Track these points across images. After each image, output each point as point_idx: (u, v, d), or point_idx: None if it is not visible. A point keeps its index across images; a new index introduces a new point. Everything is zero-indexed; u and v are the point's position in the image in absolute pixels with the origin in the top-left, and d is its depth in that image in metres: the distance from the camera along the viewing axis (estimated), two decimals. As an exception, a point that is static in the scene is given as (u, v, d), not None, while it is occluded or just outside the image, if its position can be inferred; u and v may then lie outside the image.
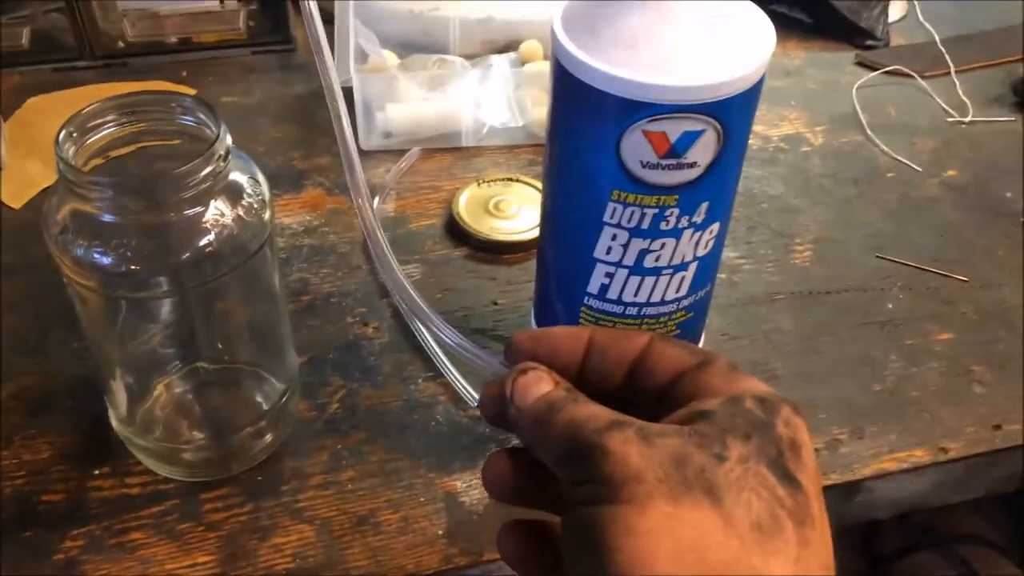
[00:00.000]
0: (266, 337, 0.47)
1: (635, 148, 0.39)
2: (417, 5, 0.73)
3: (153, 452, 0.45)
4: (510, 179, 0.63)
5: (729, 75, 0.37)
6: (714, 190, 0.41)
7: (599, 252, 0.43)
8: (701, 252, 0.43)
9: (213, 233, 0.39)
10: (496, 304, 0.56)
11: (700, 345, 0.50)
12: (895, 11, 0.82)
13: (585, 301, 0.46)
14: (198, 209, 0.38)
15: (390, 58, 0.70)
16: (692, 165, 0.39)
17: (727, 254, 0.59)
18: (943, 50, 0.77)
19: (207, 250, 0.39)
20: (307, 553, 0.43)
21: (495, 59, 0.71)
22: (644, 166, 0.39)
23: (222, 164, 0.38)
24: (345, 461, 0.47)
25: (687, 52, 0.37)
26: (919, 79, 0.75)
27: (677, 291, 0.44)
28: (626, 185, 0.40)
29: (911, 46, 0.79)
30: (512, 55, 0.72)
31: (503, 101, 0.68)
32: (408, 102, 0.66)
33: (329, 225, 0.61)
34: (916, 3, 0.85)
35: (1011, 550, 1.05)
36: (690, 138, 0.38)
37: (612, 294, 0.44)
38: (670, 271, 0.43)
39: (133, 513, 0.45)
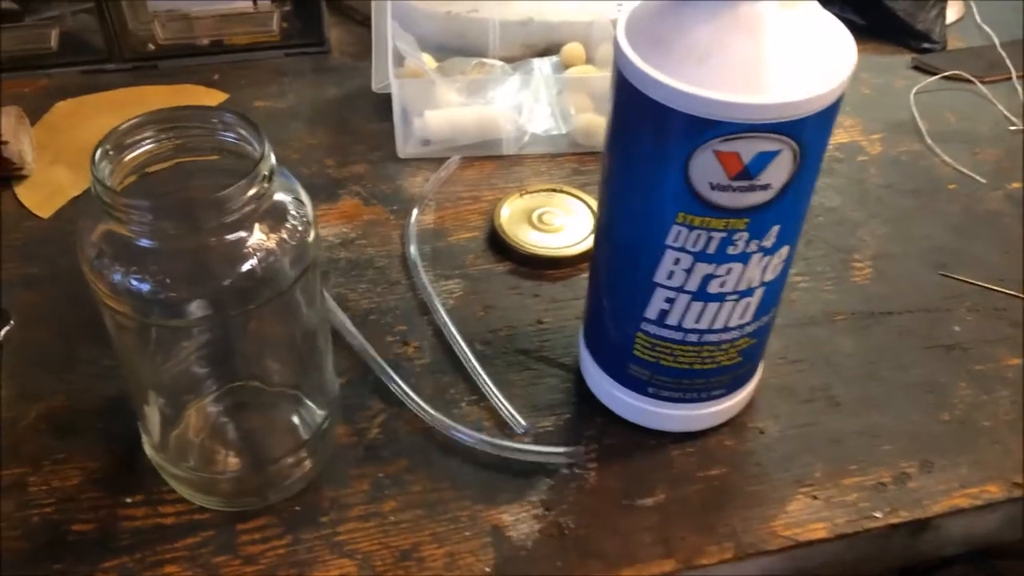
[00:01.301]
0: (305, 360, 0.45)
1: (704, 169, 0.36)
2: (455, 6, 0.70)
3: (187, 480, 0.43)
4: (554, 189, 0.61)
5: (807, 93, 0.35)
6: (786, 213, 0.39)
7: (660, 276, 0.41)
8: (769, 277, 0.41)
9: (255, 258, 0.36)
10: (541, 323, 0.53)
11: (759, 370, 0.48)
12: (952, 13, 0.79)
13: (641, 326, 0.43)
14: (240, 234, 0.36)
15: (428, 62, 0.67)
16: (765, 187, 0.37)
17: (782, 271, 0.57)
18: (1003, 54, 0.74)
19: (248, 277, 0.36)
20: (348, 590, 0.41)
21: (536, 63, 0.68)
22: (713, 188, 0.37)
23: (266, 186, 0.36)
24: (387, 491, 0.45)
25: (763, 67, 0.35)
26: (979, 84, 0.72)
27: (741, 317, 0.42)
28: (693, 207, 0.38)
29: (969, 49, 0.76)
30: (554, 59, 0.69)
31: (545, 107, 0.66)
32: (447, 108, 0.64)
33: (366, 237, 0.58)
34: (974, 4, 0.81)
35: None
36: (765, 159, 0.36)
37: (672, 320, 0.42)
38: (735, 296, 0.41)
39: (167, 544, 0.43)
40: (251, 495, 0.44)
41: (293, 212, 0.38)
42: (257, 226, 0.37)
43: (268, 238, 0.37)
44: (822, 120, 0.36)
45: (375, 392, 0.49)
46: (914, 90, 0.71)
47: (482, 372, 0.50)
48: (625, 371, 0.46)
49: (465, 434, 0.46)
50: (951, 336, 0.53)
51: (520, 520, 0.44)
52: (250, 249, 0.36)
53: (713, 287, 0.40)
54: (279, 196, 0.38)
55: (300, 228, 0.38)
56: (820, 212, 0.61)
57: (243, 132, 0.37)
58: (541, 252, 0.56)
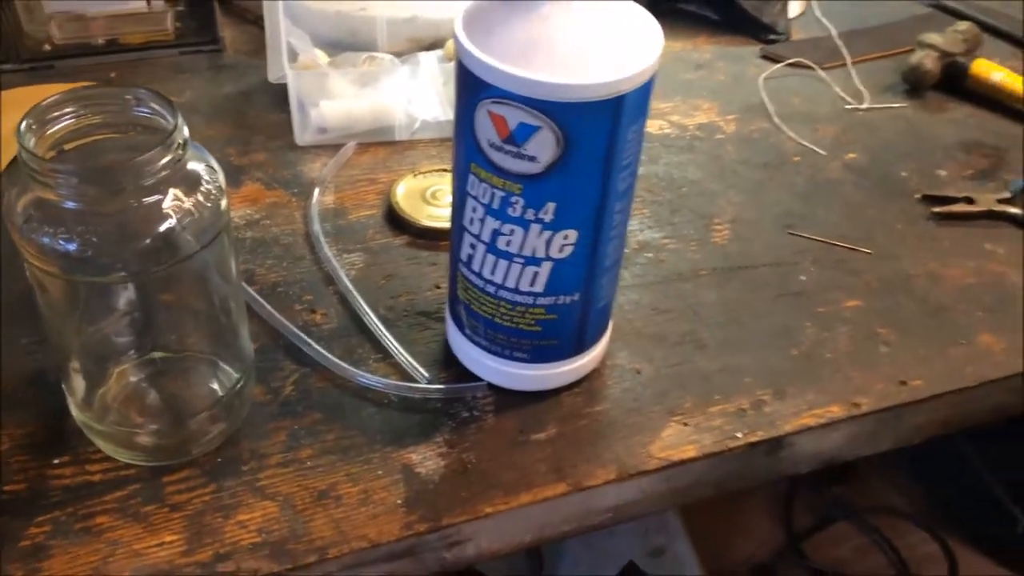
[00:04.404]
0: (222, 325, 0.48)
1: (484, 126, 0.42)
2: (344, 6, 0.75)
3: (111, 437, 0.46)
4: (444, 170, 0.66)
5: (565, 79, 0.39)
6: (563, 194, 0.43)
7: (465, 221, 0.46)
8: (555, 254, 0.45)
9: (173, 219, 0.40)
10: (438, 288, 0.58)
11: (583, 360, 0.52)
12: (794, 8, 0.88)
13: (459, 267, 0.49)
14: (158, 197, 0.40)
15: (320, 57, 0.71)
16: (532, 159, 0.41)
17: (653, 235, 0.63)
18: (840, 43, 0.83)
19: (167, 236, 0.40)
20: (272, 528, 0.45)
21: (422, 56, 0.73)
22: (491, 146, 0.42)
23: (180, 153, 0.40)
24: (303, 440, 0.49)
25: (544, 47, 0.40)
26: (819, 70, 0.80)
27: (531, 284, 0.46)
28: (480, 161, 0.43)
29: (810, 40, 0.85)
30: (439, 52, 0.74)
31: (433, 96, 0.71)
32: (341, 98, 0.68)
33: (270, 218, 0.62)
34: (813, 1, 0.90)
35: (919, 517, 1.13)
36: (527, 131, 0.41)
37: (475, 266, 0.47)
38: (522, 260, 0.45)
39: (97, 498, 0.45)
40: (173, 450, 0.47)
41: (207, 178, 0.42)
42: (173, 190, 0.40)
43: (184, 201, 0.41)
44: (590, 113, 0.40)
45: (287, 356, 0.53)
46: (763, 76, 0.79)
47: (386, 332, 0.54)
48: (456, 311, 0.51)
49: (374, 381, 0.51)
50: (798, 285, 0.61)
51: (427, 458, 0.49)
52: (167, 211, 0.40)
53: (501, 243, 0.45)
54: (192, 165, 0.42)
55: (214, 192, 0.42)
56: (683, 184, 0.68)
57: (156, 107, 0.41)
58: (436, 225, 0.61)
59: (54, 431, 0.48)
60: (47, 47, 0.72)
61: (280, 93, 0.72)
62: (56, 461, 0.47)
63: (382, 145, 0.69)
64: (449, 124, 0.69)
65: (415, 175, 0.65)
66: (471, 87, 0.41)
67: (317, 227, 0.61)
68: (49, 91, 0.69)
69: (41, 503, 0.45)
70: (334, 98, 0.68)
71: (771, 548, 1.13)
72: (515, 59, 0.40)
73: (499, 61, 0.40)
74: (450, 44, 0.74)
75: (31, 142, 0.38)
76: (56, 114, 0.39)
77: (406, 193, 0.63)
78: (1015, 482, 1.05)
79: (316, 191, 0.63)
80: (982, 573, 1.09)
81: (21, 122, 0.38)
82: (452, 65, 0.71)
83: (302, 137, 0.68)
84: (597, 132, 0.41)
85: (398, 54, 0.74)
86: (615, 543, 1.09)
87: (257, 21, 0.80)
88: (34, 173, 0.37)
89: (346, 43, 0.75)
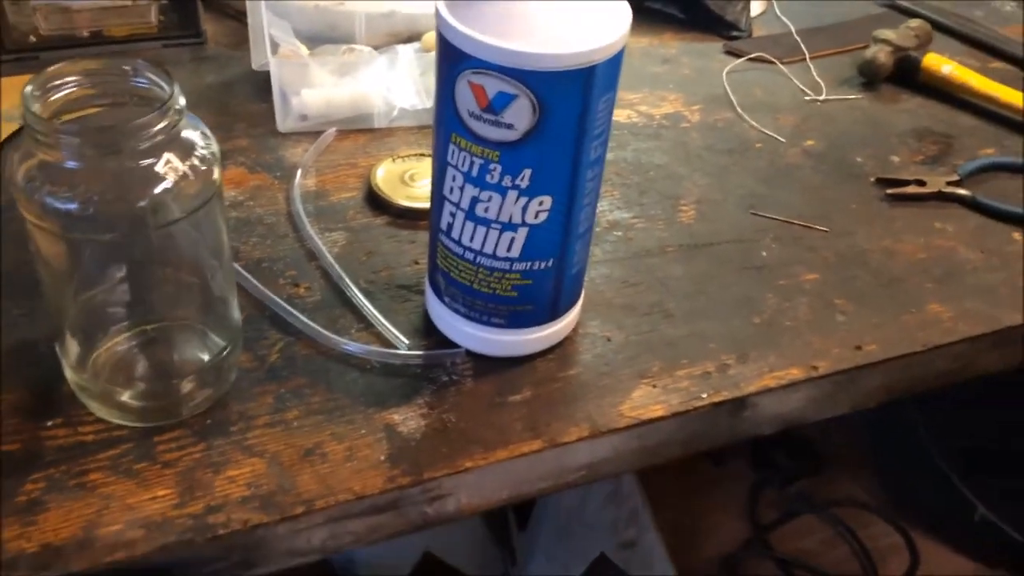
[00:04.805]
0: (212, 296, 0.50)
1: (464, 96, 0.44)
2: (323, 1, 0.77)
3: (103, 399, 0.48)
4: (422, 154, 0.68)
5: (540, 49, 0.42)
6: (538, 161, 0.45)
7: (445, 190, 0.49)
8: (531, 220, 0.48)
9: (167, 182, 0.42)
10: (417, 263, 0.61)
11: (554, 327, 0.54)
12: (756, 7, 0.91)
13: (439, 237, 0.51)
14: (154, 159, 0.42)
15: (301, 49, 0.74)
16: (510, 127, 0.44)
17: (622, 215, 0.66)
18: (799, 40, 0.87)
19: (161, 197, 0.42)
20: (260, 482, 0.47)
21: (400, 48, 0.76)
22: (471, 115, 0.45)
23: (176, 118, 0.42)
24: (289, 403, 0.51)
25: (521, 22, 0.43)
26: (779, 64, 0.84)
27: (508, 250, 0.49)
28: (460, 130, 0.46)
29: (771, 37, 0.89)
30: (416, 44, 0.77)
31: (411, 85, 0.73)
32: (321, 87, 0.70)
33: (254, 199, 0.64)
34: (774, 0, 0.94)
35: (881, 509, 1.16)
36: (505, 99, 0.43)
37: (455, 234, 0.50)
38: (499, 227, 0.48)
39: (90, 457, 0.47)
40: (163, 412, 0.49)
41: (201, 145, 0.44)
42: (168, 154, 0.43)
43: (179, 165, 0.43)
44: (563, 83, 0.43)
45: (272, 326, 0.55)
46: (726, 70, 0.83)
47: (367, 303, 0.56)
48: (435, 281, 0.53)
49: (357, 348, 0.53)
50: (760, 260, 0.64)
51: (409, 418, 0.51)
52: (162, 173, 0.42)
53: (479, 210, 0.48)
54: (187, 133, 0.44)
55: (208, 157, 0.44)
56: (651, 168, 0.71)
57: (153, 77, 0.43)
58: (414, 206, 0.64)
59: (46, 397, 0.50)
60: (32, 38, 0.74)
61: (261, 83, 0.74)
62: (49, 423, 0.49)
63: (361, 132, 0.72)
64: (426, 112, 0.72)
65: (394, 159, 0.67)
66: (452, 59, 0.44)
67: (299, 207, 0.63)
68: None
69: (36, 462, 0.47)
70: (315, 87, 0.70)
71: (738, 541, 1.16)
72: (493, 32, 0.42)
73: (479, 33, 0.42)
74: (427, 36, 0.77)
75: (35, 107, 0.40)
76: (58, 82, 0.42)
77: (385, 176, 0.66)
78: (973, 473, 1.08)
79: (299, 173, 0.65)
80: (942, 562, 1.13)
81: (26, 87, 0.40)
82: (429, 56, 0.74)
83: (284, 124, 0.70)
84: (571, 101, 0.44)
85: (376, 47, 0.77)
86: (587, 537, 1.11)
87: (237, 16, 0.82)
88: (38, 135, 0.40)
89: (325, 36, 0.77)
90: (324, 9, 0.77)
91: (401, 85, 0.73)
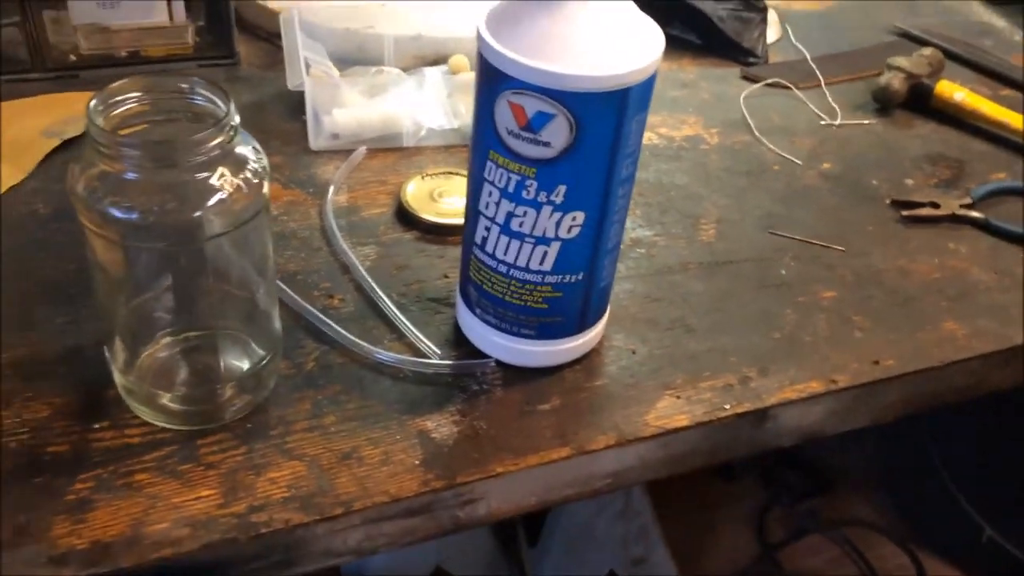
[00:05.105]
0: (256, 305, 0.52)
1: (503, 115, 0.46)
2: (353, 23, 0.80)
3: (148, 402, 0.50)
4: (450, 172, 0.70)
5: (578, 71, 0.44)
6: (573, 177, 0.47)
7: (481, 206, 0.51)
8: (564, 234, 0.49)
9: (222, 194, 0.44)
10: (447, 277, 0.62)
11: (582, 339, 0.56)
12: (772, 34, 0.94)
13: (473, 251, 0.53)
14: (209, 172, 0.44)
15: (332, 71, 0.76)
16: (547, 144, 0.46)
17: (644, 233, 0.68)
18: (814, 66, 0.89)
19: (215, 208, 0.44)
20: (301, 484, 0.49)
21: (428, 70, 0.78)
22: (510, 134, 0.47)
23: (231, 134, 0.44)
24: (326, 409, 0.53)
25: (560, 45, 0.45)
26: (795, 90, 0.86)
27: (541, 263, 0.51)
28: (498, 148, 0.48)
29: (786, 63, 0.91)
30: (443, 67, 0.79)
31: (438, 106, 0.75)
32: (352, 107, 0.73)
33: (288, 214, 0.66)
34: (788, 27, 0.97)
35: (890, 530, 1.17)
36: (543, 119, 0.45)
37: (489, 247, 0.51)
38: (532, 241, 0.50)
39: (136, 458, 0.49)
40: (205, 416, 0.51)
41: (253, 160, 0.46)
42: (222, 168, 0.45)
43: (231, 179, 0.45)
44: (600, 103, 0.45)
45: (308, 335, 0.57)
46: (743, 95, 0.85)
47: (400, 315, 0.58)
48: (467, 292, 0.55)
49: (390, 357, 0.55)
50: (779, 278, 0.66)
51: (441, 425, 0.53)
52: (217, 186, 0.44)
53: (515, 225, 0.49)
54: (240, 149, 0.46)
55: (260, 172, 0.46)
56: (672, 188, 0.73)
57: (209, 94, 0.45)
58: (443, 221, 0.66)
59: (93, 401, 0.52)
60: (72, 57, 0.76)
61: (292, 104, 0.76)
62: (96, 426, 0.50)
63: (391, 151, 0.74)
64: (453, 132, 0.75)
65: (423, 177, 0.70)
66: (493, 79, 0.46)
67: (332, 222, 0.65)
68: (72, 99, 0.74)
69: (84, 462, 0.48)
70: (346, 107, 0.73)
71: (747, 558, 1.17)
72: (532, 53, 0.45)
73: (520, 55, 0.44)
74: (454, 59, 0.79)
75: (99, 120, 0.42)
76: (120, 98, 0.44)
77: (415, 193, 0.68)
78: (981, 494, 1.10)
79: (331, 189, 0.67)
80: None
81: (90, 102, 0.42)
82: (456, 78, 0.77)
83: (316, 142, 0.72)
84: (606, 120, 0.46)
85: (404, 69, 0.79)
86: (596, 553, 1.12)
87: (269, 38, 0.84)
88: (100, 147, 0.42)
89: (354, 58, 0.80)
90: (354, 32, 0.79)
91: (429, 106, 0.75)
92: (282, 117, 0.76)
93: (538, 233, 0.50)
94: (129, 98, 0.44)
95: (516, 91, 0.45)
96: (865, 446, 1.28)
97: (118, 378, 0.50)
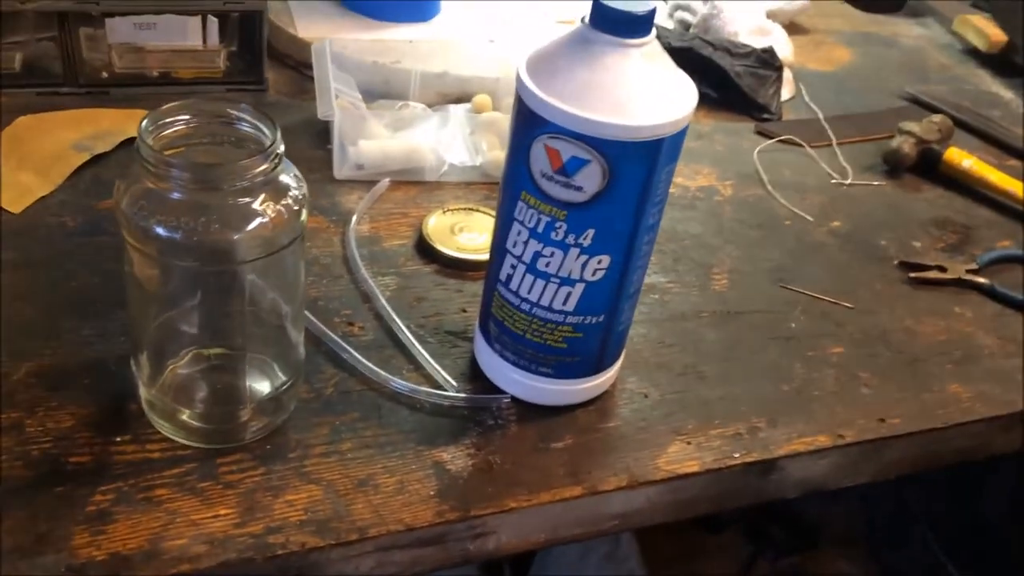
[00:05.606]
0: (283, 329, 0.53)
1: (538, 158, 0.48)
2: (381, 57, 0.82)
3: (169, 417, 0.51)
4: (470, 209, 0.72)
5: (615, 120, 0.46)
6: (602, 222, 0.49)
7: (508, 244, 0.52)
8: (589, 277, 0.51)
9: (263, 219, 0.46)
10: (465, 311, 0.64)
11: (595, 381, 0.57)
12: (786, 91, 0.96)
13: (497, 287, 0.54)
14: (251, 198, 0.45)
15: (359, 103, 0.78)
16: (579, 189, 0.48)
17: (658, 279, 0.69)
18: (826, 126, 0.92)
19: (255, 232, 0.46)
20: (317, 508, 0.49)
21: (452, 108, 0.80)
22: (543, 176, 0.48)
23: (275, 163, 0.46)
24: (344, 435, 0.53)
25: (597, 93, 0.46)
26: (807, 147, 0.88)
27: (564, 303, 0.52)
28: (530, 189, 0.49)
29: (800, 121, 0.93)
30: (467, 105, 0.81)
31: (461, 143, 0.77)
32: (377, 139, 0.74)
33: (311, 241, 0.67)
34: (802, 86, 0.99)
35: (872, 587, 1.17)
36: (577, 163, 0.47)
37: (513, 285, 0.53)
38: (557, 281, 0.51)
39: (156, 473, 0.50)
40: (226, 436, 0.52)
41: (294, 187, 0.47)
42: (264, 194, 0.46)
43: (273, 205, 0.46)
44: (633, 152, 0.46)
45: (327, 361, 0.58)
46: (757, 149, 0.87)
47: (418, 345, 0.59)
48: (487, 328, 0.56)
49: (407, 387, 0.56)
50: (789, 331, 0.67)
51: (457, 457, 0.53)
52: (258, 211, 0.45)
53: (541, 264, 0.51)
54: (283, 177, 0.47)
55: (300, 199, 0.47)
56: (686, 237, 0.75)
57: (256, 122, 0.47)
58: (463, 256, 0.67)
59: (116, 413, 0.52)
60: (105, 75, 0.78)
61: (317, 132, 0.78)
62: (118, 439, 0.51)
63: (413, 184, 0.75)
64: (473, 169, 0.76)
65: (444, 212, 0.71)
66: (530, 122, 0.47)
67: (355, 251, 0.66)
68: (103, 115, 0.75)
69: (105, 474, 0.49)
70: (371, 138, 0.74)
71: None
72: (569, 99, 0.46)
73: (559, 101, 0.46)
74: (478, 98, 0.81)
75: (149, 140, 0.43)
76: (170, 119, 0.45)
77: (436, 226, 0.69)
78: (962, 550, 1.10)
79: (354, 218, 0.68)
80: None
81: (142, 122, 0.44)
82: (479, 117, 0.78)
83: (340, 171, 0.74)
84: (638, 168, 0.47)
85: (428, 105, 0.81)
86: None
87: (297, 67, 0.86)
88: (149, 165, 0.43)
89: (380, 92, 0.81)
90: (381, 66, 0.81)
91: (452, 142, 0.77)
92: (307, 145, 0.78)
93: (564, 274, 0.51)
94: (179, 120, 0.45)
95: (553, 135, 0.47)
96: (850, 504, 1.28)
97: (142, 391, 0.51)
